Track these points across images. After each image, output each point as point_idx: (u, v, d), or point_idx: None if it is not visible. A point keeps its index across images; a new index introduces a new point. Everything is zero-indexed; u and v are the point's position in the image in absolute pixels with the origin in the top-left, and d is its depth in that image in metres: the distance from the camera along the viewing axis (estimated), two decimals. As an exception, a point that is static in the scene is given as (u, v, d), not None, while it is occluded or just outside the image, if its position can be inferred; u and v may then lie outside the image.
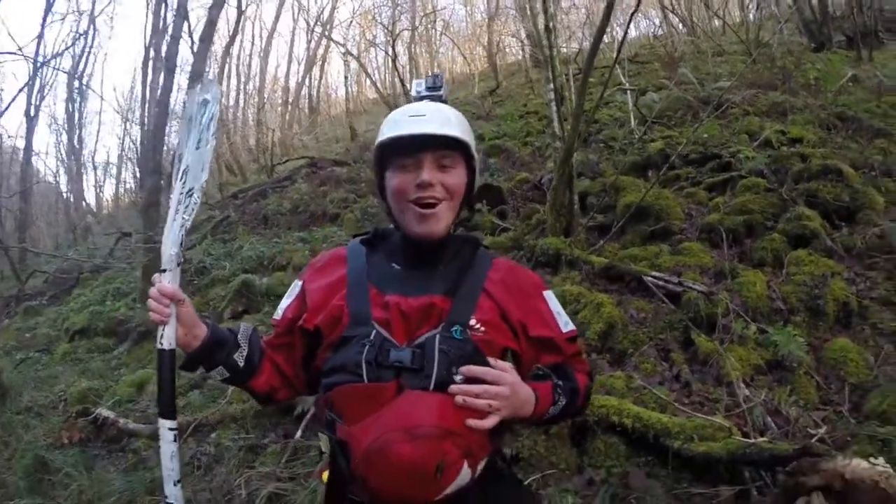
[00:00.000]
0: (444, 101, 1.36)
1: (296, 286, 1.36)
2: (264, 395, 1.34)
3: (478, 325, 1.18)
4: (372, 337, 1.15)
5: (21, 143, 16.76)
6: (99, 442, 3.86)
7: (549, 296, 1.35)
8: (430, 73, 1.42)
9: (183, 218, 1.26)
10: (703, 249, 4.08)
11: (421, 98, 1.37)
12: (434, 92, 1.37)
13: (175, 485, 1.24)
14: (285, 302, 1.35)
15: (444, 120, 1.23)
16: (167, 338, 1.21)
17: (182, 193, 1.28)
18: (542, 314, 1.30)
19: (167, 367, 1.22)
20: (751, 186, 4.64)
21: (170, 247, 1.25)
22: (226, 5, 11.89)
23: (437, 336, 1.14)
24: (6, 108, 15.27)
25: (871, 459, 1.82)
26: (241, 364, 1.28)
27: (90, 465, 3.43)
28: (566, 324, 1.33)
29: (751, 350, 3.08)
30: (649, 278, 3.75)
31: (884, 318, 3.19)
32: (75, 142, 20.52)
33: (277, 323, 1.35)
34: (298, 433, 3.19)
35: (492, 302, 1.24)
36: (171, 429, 1.24)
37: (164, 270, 1.23)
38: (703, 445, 2.37)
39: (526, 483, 2.46)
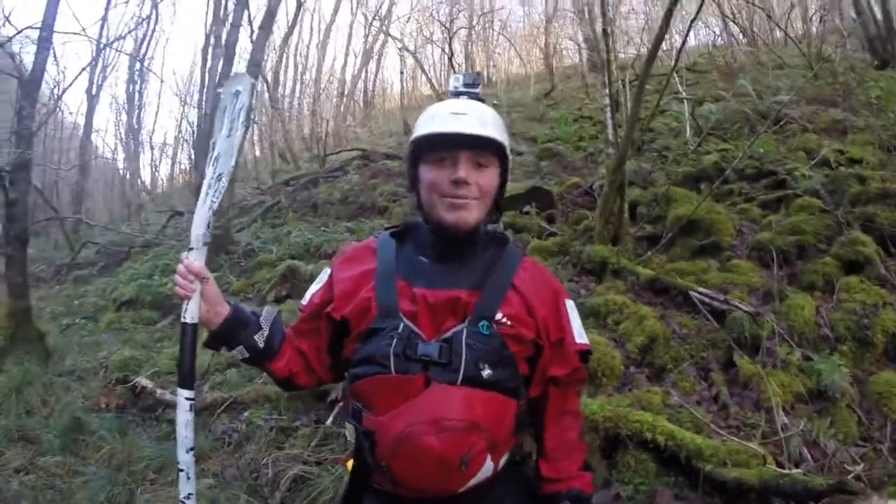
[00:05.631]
0: (481, 100, 1.36)
1: (325, 273, 1.38)
2: (283, 378, 1.37)
3: (504, 319, 1.19)
4: (400, 329, 1.16)
5: (82, 121, 17.36)
6: (135, 409, 3.97)
7: (570, 304, 1.34)
8: (471, 70, 1.40)
9: (212, 200, 1.32)
10: (753, 268, 3.95)
11: (458, 93, 1.36)
12: (472, 89, 1.36)
13: (188, 452, 1.28)
14: (313, 288, 1.38)
15: (483, 120, 1.24)
16: (190, 312, 1.27)
17: (213, 178, 1.34)
18: (560, 317, 1.30)
19: (189, 339, 1.28)
20: (805, 206, 4.47)
21: (199, 227, 1.31)
22: (286, -5, 12.07)
23: (465, 331, 1.16)
24: (69, 86, 15.82)
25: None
26: (261, 345, 1.31)
27: (124, 431, 3.51)
28: (580, 336, 1.32)
29: (793, 377, 2.97)
30: (695, 294, 3.66)
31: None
32: (134, 121, 21.14)
33: (304, 309, 1.37)
34: (329, 419, 3.23)
35: (520, 297, 1.25)
36: (188, 398, 1.28)
37: (192, 249, 1.29)
38: (735, 471, 2.30)
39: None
